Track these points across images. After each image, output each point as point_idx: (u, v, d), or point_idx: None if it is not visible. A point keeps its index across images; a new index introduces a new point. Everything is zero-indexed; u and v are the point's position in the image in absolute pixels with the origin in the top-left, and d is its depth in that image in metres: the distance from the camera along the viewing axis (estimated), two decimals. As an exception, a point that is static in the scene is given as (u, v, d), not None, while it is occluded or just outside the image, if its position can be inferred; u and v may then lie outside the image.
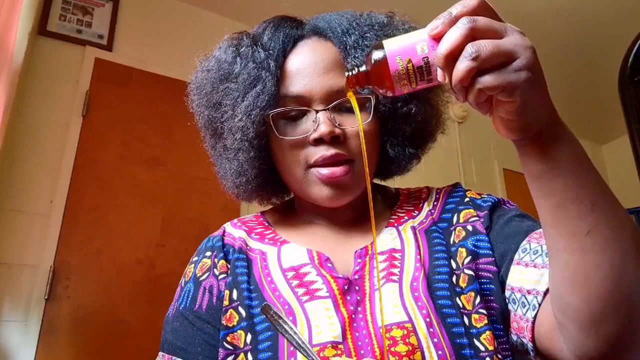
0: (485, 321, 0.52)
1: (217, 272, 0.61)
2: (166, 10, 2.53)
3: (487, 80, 0.37)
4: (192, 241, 1.93)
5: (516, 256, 0.54)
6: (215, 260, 0.62)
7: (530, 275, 0.52)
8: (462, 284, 0.55)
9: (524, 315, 0.52)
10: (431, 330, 0.51)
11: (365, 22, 0.64)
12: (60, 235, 1.92)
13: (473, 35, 0.37)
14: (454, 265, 0.58)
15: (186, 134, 2.15)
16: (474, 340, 0.52)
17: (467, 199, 0.65)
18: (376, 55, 0.43)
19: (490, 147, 3.50)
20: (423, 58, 0.41)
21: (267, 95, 0.60)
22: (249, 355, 0.53)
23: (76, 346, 1.84)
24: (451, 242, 0.60)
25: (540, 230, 0.55)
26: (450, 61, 0.38)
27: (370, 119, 0.60)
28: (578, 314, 0.43)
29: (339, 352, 0.51)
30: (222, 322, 0.57)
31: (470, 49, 0.36)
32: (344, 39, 0.62)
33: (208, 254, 0.64)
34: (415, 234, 0.62)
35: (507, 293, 0.54)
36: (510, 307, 0.54)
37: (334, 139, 0.59)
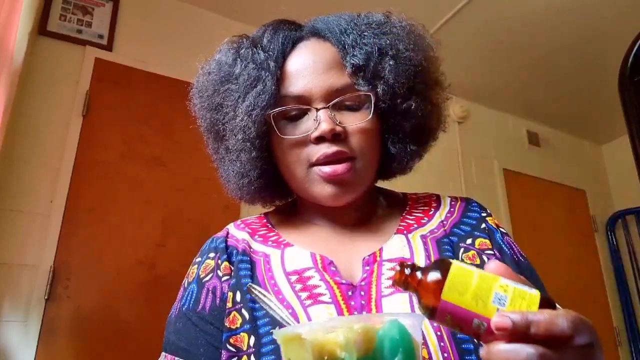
0: None
1: (220, 274, 0.61)
2: (166, 10, 2.53)
3: None
4: (192, 241, 1.92)
5: None
6: (219, 261, 0.62)
7: None
8: None
9: None
10: (442, 344, 0.51)
11: (363, 21, 0.65)
12: (60, 235, 1.92)
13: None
14: None
15: (186, 134, 2.14)
16: None
17: (483, 225, 0.65)
18: (433, 276, 0.40)
19: (490, 147, 3.49)
20: (471, 331, 0.37)
21: (268, 94, 0.60)
22: (252, 358, 0.53)
23: (76, 346, 1.84)
24: (459, 258, 0.60)
25: None
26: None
27: (370, 117, 0.61)
28: None
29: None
30: (225, 324, 0.57)
31: None
32: (343, 38, 0.63)
33: (211, 255, 0.64)
34: (425, 243, 0.62)
35: None
36: None
37: (335, 136, 0.59)
